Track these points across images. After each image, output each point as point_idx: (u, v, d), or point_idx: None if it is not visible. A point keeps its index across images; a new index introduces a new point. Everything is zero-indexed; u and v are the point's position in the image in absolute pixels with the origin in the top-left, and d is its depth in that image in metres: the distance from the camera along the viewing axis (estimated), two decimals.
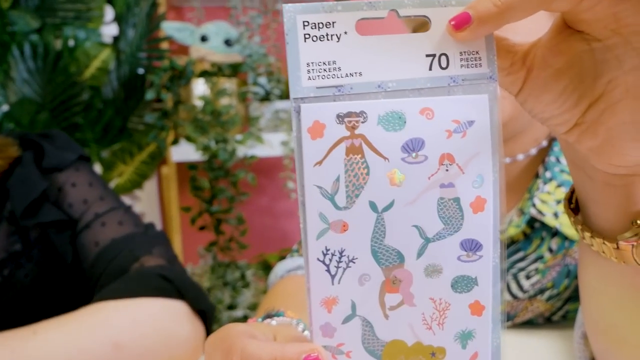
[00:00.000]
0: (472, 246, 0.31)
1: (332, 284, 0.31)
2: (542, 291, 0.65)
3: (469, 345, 0.32)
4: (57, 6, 1.68)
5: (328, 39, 0.29)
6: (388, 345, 0.32)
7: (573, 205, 0.37)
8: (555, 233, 0.64)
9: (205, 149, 1.41)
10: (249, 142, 1.44)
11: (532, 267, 0.66)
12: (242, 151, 1.44)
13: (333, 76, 0.29)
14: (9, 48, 1.56)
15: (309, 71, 0.29)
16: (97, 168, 1.65)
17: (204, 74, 1.49)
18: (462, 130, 0.29)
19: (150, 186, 1.76)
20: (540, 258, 0.64)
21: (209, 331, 0.69)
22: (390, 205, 0.30)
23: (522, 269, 0.67)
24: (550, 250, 0.63)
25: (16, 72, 1.59)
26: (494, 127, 0.30)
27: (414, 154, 0.29)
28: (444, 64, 0.29)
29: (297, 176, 0.30)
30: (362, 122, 0.29)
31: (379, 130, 0.29)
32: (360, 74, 0.29)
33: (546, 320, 0.69)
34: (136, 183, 1.67)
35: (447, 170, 0.30)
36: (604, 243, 0.34)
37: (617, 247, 0.33)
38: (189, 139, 1.43)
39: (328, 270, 0.31)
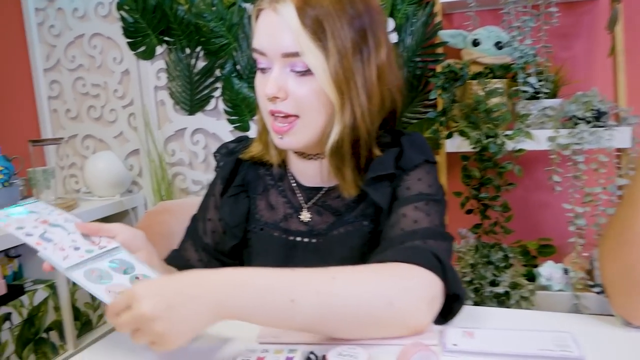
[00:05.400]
0: None
1: None
2: None
3: None
4: None
5: None
6: None
7: None
8: None
9: (477, 142, 1.52)
10: (517, 137, 1.51)
11: None
12: (510, 145, 1.51)
13: None
14: None
15: None
16: None
17: (476, 75, 1.57)
18: None
19: None
20: None
21: (454, 315, 0.77)
22: None
23: None
24: None
25: None
26: None
27: None
28: None
29: None
30: None
31: None
32: None
33: None
34: None
35: None
36: None
37: None
38: (462, 133, 1.55)
39: None
